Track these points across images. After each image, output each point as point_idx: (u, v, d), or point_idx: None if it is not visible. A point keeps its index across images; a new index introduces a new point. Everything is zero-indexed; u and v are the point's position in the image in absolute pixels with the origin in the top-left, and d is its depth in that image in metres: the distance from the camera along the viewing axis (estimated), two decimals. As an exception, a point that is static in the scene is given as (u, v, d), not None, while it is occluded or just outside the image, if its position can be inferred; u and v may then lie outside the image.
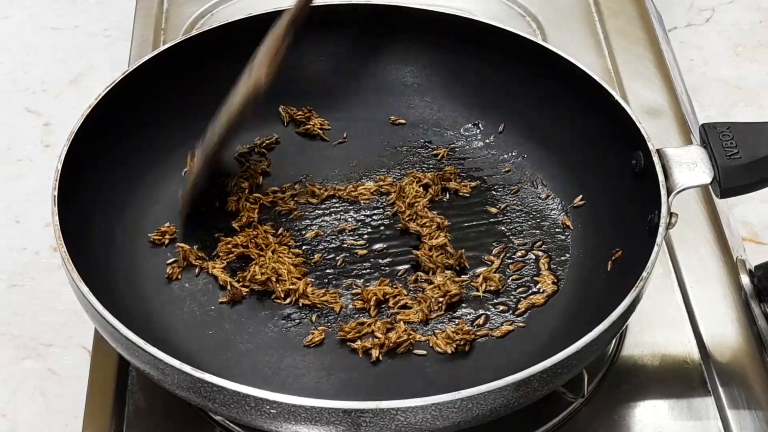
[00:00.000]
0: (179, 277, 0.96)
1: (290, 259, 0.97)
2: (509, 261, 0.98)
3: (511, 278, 0.97)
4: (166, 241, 0.98)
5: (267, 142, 1.08)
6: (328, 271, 0.97)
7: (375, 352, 0.91)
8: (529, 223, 1.02)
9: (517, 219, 1.02)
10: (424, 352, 0.91)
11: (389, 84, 1.11)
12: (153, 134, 1.03)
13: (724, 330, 0.99)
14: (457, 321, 0.93)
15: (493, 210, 1.03)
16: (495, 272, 0.97)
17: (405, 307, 0.94)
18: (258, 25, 1.06)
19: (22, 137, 1.41)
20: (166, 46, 1.04)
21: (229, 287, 0.94)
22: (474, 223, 1.02)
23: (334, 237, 1.00)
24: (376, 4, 1.09)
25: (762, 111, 1.43)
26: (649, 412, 0.93)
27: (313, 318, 0.93)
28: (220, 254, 0.98)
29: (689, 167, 0.92)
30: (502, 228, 1.01)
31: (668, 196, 0.91)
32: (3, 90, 1.47)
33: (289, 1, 1.09)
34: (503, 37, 1.06)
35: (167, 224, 0.99)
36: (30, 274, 1.26)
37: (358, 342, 0.92)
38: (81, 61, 1.51)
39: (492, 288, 0.96)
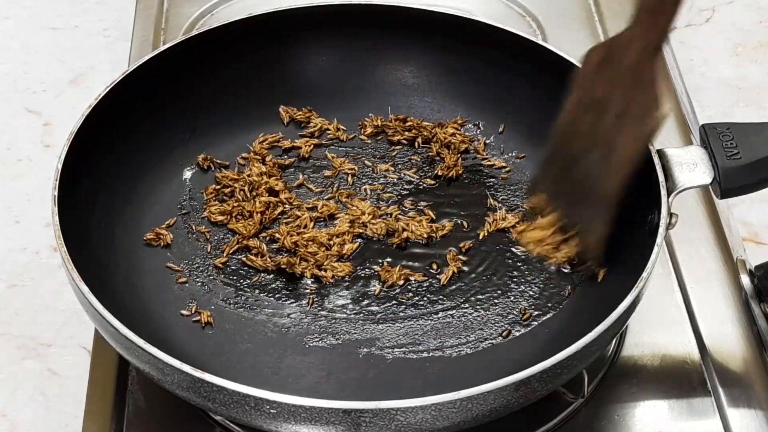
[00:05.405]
0: (182, 278, 0.97)
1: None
2: (509, 261, 0.98)
3: (511, 279, 0.97)
4: (162, 244, 0.99)
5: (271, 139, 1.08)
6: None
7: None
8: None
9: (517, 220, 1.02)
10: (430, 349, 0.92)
11: (389, 84, 1.11)
12: (153, 134, 1.03)
13: (724, 330, 0.99)
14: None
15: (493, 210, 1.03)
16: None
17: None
18: (258, 25, 1.06)
19: (22, 137, 1.41)
20: (166, 46, 1.04)
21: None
22: (473, 222, 1.02)
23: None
24: (376, 4, 1.09)
25: (762, 111, 1.43)
26: (649, 412, 0.93)
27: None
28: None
29: (689, 167, 0.92)
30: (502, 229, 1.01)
31: (668, 197, 0.91)
32: (3, 90, 1.47)
33: (287, 2, 1.09)
34: (503, 37, 1.06)
35: (165, 228, 1.00)
36: (30, 274, 1.26)
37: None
38: (81, 61, 1.51)
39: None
